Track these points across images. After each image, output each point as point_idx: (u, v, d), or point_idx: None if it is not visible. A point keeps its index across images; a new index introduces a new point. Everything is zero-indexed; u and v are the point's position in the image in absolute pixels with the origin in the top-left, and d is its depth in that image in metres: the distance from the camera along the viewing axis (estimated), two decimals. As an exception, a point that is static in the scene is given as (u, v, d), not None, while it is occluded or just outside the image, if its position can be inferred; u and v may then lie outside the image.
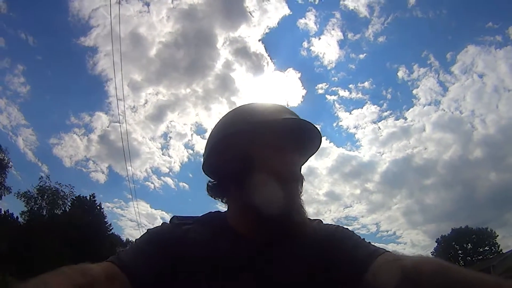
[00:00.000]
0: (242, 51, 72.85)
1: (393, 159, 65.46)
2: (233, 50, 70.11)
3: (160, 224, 0.81)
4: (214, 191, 0.83)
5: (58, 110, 73.01)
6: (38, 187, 27.57)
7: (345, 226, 0.81)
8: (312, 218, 0.84)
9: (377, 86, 77.75)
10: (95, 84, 67.23)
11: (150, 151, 62.65)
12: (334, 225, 0.82)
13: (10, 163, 27.56)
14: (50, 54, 64.97)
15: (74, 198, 30.45)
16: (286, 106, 0.86)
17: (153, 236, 0.76)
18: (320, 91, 76.18)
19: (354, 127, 68.91)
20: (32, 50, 57.24)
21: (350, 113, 70.75)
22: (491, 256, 36.48)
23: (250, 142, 0.78)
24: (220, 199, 0.84)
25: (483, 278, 0.50)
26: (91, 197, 34.82)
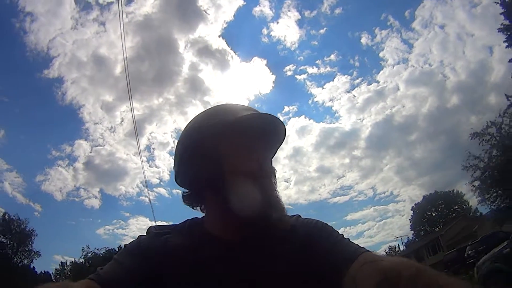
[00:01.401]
0: (204, 51, 71.86)
1: (374, 122, 67.26)
2: (196, 51, 69.24)
3: (136, 238, 0.80)
4: (190, 200, 0.83)
5: (37, 146, 72.25)
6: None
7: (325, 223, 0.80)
8: (290, 214, 0.84)
9: (343, 56, 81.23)
10: (68, 113, 66.59)
11: (137, 166, 62.02)
12: (314, 219, 0.82)
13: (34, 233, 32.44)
14: (15, 93, 63.85)
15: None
16: (245, 104, 0.85)
17: (131, 249, 0.75)
18: (289, 73, 78.50)
19: (330, 100, 71.41)
20: None
21: (323, 88, 73.46)
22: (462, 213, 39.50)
23: (214, 146, 0.77)
24: (197, 207, 0.83)
25: (457, 283, 0.52)
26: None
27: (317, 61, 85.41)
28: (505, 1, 14.35)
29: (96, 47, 61.52)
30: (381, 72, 69.35)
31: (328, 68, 73.64)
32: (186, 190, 0.83)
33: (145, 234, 0.80)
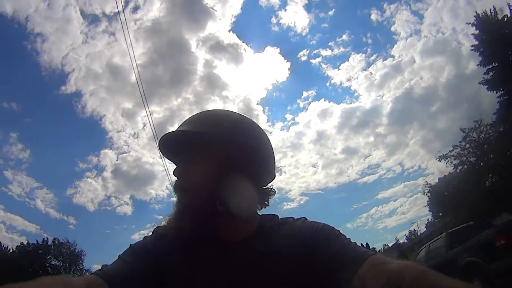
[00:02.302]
0: (217, 47, 73.61)
1: (394, 97, 67.55)
2: (208, 49, 70.95)
3: (142, 238, 0.82)
4: None
5: (64, 161, 74.99)
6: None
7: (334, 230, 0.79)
8: (296, 218, 0.86)
9: (355, 35, 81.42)
10: (91, 124, 68.25)
11: (162, 168, 62.34)
12: (320, 223, 0.82)
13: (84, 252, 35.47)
14: (36, 112, 65.24)
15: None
16: (199, 114, 0.86)
17: (136, 248, 0.77)
18: (303, 58, 79.85)
19: (347, 80, 72.70)
20: (19, 115, 58.92)
21: (339, 69, 74.32)
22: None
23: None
24: None
25: (460, 285, 0.54)
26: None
27: (329, 43, 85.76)
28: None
29: (109, 58, 63.63)
30: (395, 46, 69.56)
31: (342, 49, 75.02)
32: None
33: (151, 234, 0.83)
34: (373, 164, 69.50)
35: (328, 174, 73.89)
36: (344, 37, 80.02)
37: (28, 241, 38.03)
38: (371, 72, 71.16)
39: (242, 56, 79.61)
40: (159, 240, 0.79)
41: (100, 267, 0.72)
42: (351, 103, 76.50)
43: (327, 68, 76.76)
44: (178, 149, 0.83)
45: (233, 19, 76.15)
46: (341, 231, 0.78)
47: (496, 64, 14.68)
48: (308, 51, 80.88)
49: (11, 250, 36.02)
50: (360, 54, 79.42)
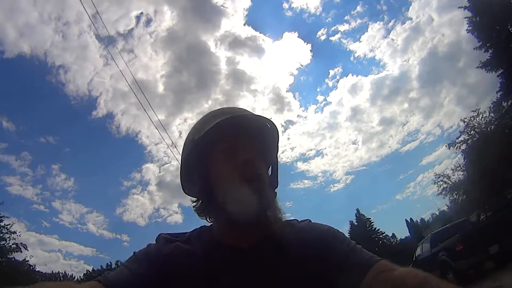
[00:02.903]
0: (235, 43, 73.54)
1: (420, 59, 65.53)
2: (228, 46, 71.34)
3: (146, 246, 0.80)
4: (197, 210, 0.84)
5: (109, 183, 77.14)
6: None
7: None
8: (300, 220, 0.85)
9: (369, 5, 78.65)
10: (128, 142, 70.57)
11: None
12: (325, 225, 0.83)
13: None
14: (74, 141, 66.34)
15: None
16: (234, 106, 0.86)
17: (139, 256, 0.75)
18: (323, 37, 78.72)
19: (370, 51, 72.26)
20: (57, 147, 61.80)
21: (360, 41, 73.81)
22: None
23: (202, 157, 0.80)
24: (204, 217, 0.84)
25: None
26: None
27: (345, 18, 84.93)
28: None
29: (133, 74, 67.25)
30: (411, 8, 67.01)
31: (358, 21, 74.09)
32: (192, 199, 0.85)
33: (155, 241, 0.80)
34: (412, 131, 68.26)
35: (369, 149, 73.81)
36: (359, 8, 78.36)
37: (92, 268, 39.43)
38: (392, 39, 70.08)
39: (262, 47, 79.20)
40: (164, 247, 0.77)
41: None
42: (378, 73, 75.65)
43: (347, 42, 75.70)
44: (247, 133, 0.79)
45: (246, 12, 76.09)
46: (346, 235, 0.79)
47: (491, 43, 14.97)
48: (325, 30, 79.89)
49: (76, 278, 36.35)
50: (378, 22, 78.09)
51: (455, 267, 7.89)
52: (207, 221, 0.83)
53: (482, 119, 17.22)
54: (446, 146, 18.89)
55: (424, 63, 66.34)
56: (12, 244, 17.54)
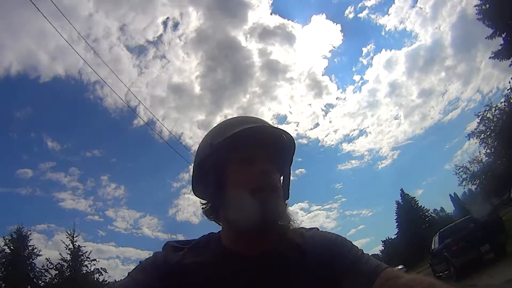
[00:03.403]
0: (265, 33, 74.15)
1: (451, 25, 66.36)
2: (258, 38, 72.17)
3: (152, 255, 0.79)
4: (206, 212, 0.83)
5: (158, 186, 78.92)
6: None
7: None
8: (308, 228, 0.85)
9: None
10: (172, 145, 72.98)
11: None
12: (333, 234, 0.83)
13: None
14: (119, 151, 69.82)
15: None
16: (253, 116, 0.85)
17: (145, 265, 0.74)
18: (351, 16, 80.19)
19: (400, 23, 69.03)
20: (104, 158, 63.26)
21: (388, 14, 72.47)
22: None
23: (217, 164, 0.79)
24: (212, 219, 0.83)
25: None
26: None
27: None
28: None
29: (168, 79, 67.62)
30: None
31: None
32: (202, 202, 0.85)
33: (162, 249, 0.79)
34: (453, 99, 67.64)
35: (412, 122, 73.74)
36: (382, -19, 71.17)
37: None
38: (420, 7, 69.38)
39: (292, 34, 79.38)
40: (171, 256, 0.76)
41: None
42: (411, 44, 74.87)
43: (376, 17, 74.96)
44: (264, 147, 0.79)
45: (271, 2, 76.16)
46: (353, 243, 0.79)
47: (504, 34, 14.99)
48: (352, 7, 79.84)
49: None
50: (403, -9, 70.59)
51: (454, 263, 9.46)
52: (216, 223, 0.82)
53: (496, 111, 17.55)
54: (466, 136, 19.47)
55: (455, 28, 65.88)
56: (94, 269, 21.42)
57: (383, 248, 60.49)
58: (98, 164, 62.63)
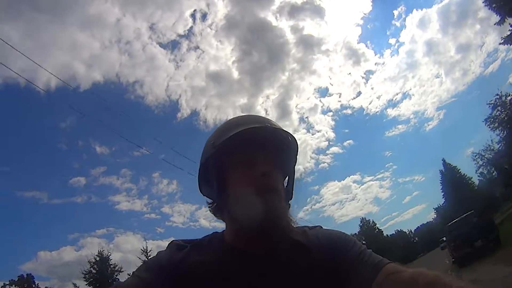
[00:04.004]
0: (294, 10, 73.54)
1: None
2: (287, 15, 72.70)
3: (156, 254, 0.80)
4: (212, 211, 0.84)
5: None
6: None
7: None
8: (310, 226, 0.86)
9: None
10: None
11: (303, 140, 68.22)
12: (336, 231, 0.84)
13: None
14: (166, 146, 72.93)
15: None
16: (257, 115, 0.85)
17: (149, 264, 0.75)
18: None
19: None
20: (152, 156, 58.04)
21: None
22: None
23: (218, 165, 0.79)
24: (219, 218, 0.84)
25: None
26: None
27: None
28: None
29: (205, 69, 68.02)
30: None
31: None
32: (208, 200, 0.86)
33: (166, 248, 0.80)
34: (491, 51, 62.52)
35: (454, 79, 72.07)
36: None
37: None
38: None
39: (321, 7, 79.14)
40: (175, 255, 0.76)
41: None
42: (441, 1, 71.48)
43: None
44: (266, 144, 0.79)
45: None
46: (356, 239, 0.80)
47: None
48: None
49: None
50: None
51: (455, 255, 11.37)
52: (223, 221, 0.83)
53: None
54: (483, 121, 19.64)
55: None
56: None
57: (436, 215, 59.72)
58: (148, 162, 66.62)
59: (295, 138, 0.83)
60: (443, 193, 48.64)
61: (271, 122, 0.81)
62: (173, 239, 0.82)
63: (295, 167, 0.86)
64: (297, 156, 0.86)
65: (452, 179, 44.86)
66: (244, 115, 0.85)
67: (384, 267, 0.69)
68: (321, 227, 0.86)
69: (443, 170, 47.48)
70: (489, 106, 18.82)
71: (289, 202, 0.83)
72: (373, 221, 61.32)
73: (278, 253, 0.75)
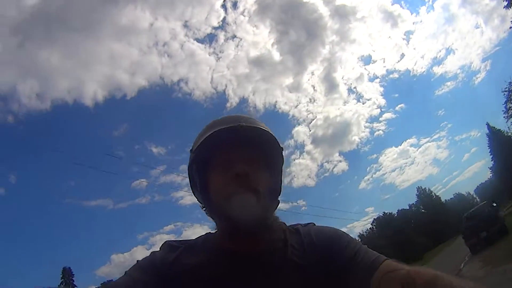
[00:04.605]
0: None
1: None
2: None
3: (149, 254, 0.80)
4: (205, 212, 0.84)
5: None
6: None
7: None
8: (303, 223, 0.85)
9: None
10: (270, 116, 72.55)
11: (354, 112, 69.75)
12: (331, 228, 0.83)
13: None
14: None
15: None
16: (237, 114, 0.83)
17: (142, 264, 0.76)
18: None
19: None
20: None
21: None
22: None
23: (199, 169, 0.81)
24: (213, 220, 0.84)
25: (471, 287, 0.57)
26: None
27: None
28: None
29: (246, 55, 70.31)
30: None
31: None
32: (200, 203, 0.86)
33: (159, 249, 0.80)
34: (508, 17, 55.65)
35: (494, 27, 67.92)
36: None
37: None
38: None
39: None
40: (168, 255, 0.77)
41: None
42: None
43: None
44: (244, 144, 0.79)
45: None
46: (351, 236, 0.79)
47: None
48: None
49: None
50: None
51: (467, 244, 13.63)
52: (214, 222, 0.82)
53: None
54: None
55: None
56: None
57: (491, 175, 57.84)
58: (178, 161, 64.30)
59: (273, 136, 0.82)
60: (491, 156, 47.53)
61: (248, 120, 0.80)
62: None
63: (281, 163, 0.85)
64: (281, 151, 0.84)
65: (499, 142, 43.74)
66: (223, 117, 0.84)
67: (381, 264, 0.68)
68: (314, 224, 0.86)
69: (489, 133, 46.25)
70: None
71: (278, 199, 0.83)
72: (429, 189, 60.64)
73: (270, 253, 0.76)
